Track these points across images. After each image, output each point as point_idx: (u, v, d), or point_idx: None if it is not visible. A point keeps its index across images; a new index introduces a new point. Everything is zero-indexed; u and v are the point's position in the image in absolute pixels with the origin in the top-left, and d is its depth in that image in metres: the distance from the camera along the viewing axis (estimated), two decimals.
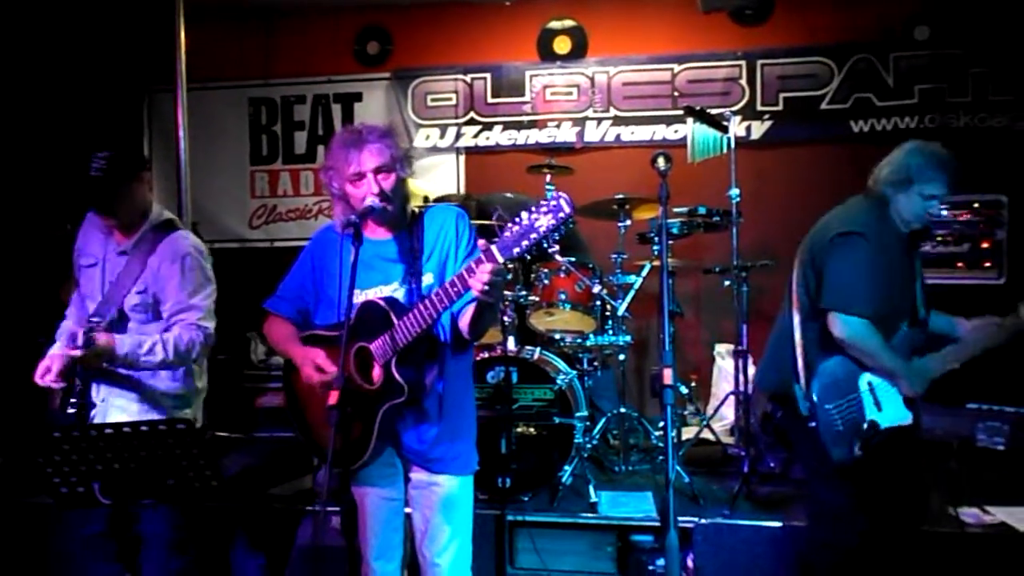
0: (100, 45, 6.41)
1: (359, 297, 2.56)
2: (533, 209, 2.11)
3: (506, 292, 4.39)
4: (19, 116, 5.89)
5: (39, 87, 6.04)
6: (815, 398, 2.94)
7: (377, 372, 2.49)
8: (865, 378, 2.97)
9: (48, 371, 2.90)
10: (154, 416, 3.03)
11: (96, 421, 3.01)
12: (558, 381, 4.17)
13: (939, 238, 5.20)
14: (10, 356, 3.23)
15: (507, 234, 2.14)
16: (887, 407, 2.97)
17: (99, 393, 3.04)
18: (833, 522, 3.01)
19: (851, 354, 2.95)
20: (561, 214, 2.08)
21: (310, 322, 2.74)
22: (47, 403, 3.02)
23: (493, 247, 2.16)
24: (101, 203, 2.94)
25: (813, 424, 2.94)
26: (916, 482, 3.18)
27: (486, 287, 2.21)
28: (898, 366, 2.95)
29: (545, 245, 2.13)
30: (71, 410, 2.92)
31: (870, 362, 2.94)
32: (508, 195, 5.79)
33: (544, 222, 2.09)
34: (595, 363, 4.86)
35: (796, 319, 3.05)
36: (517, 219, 2.12)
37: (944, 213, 3.02)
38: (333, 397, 2.25)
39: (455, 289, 2.31)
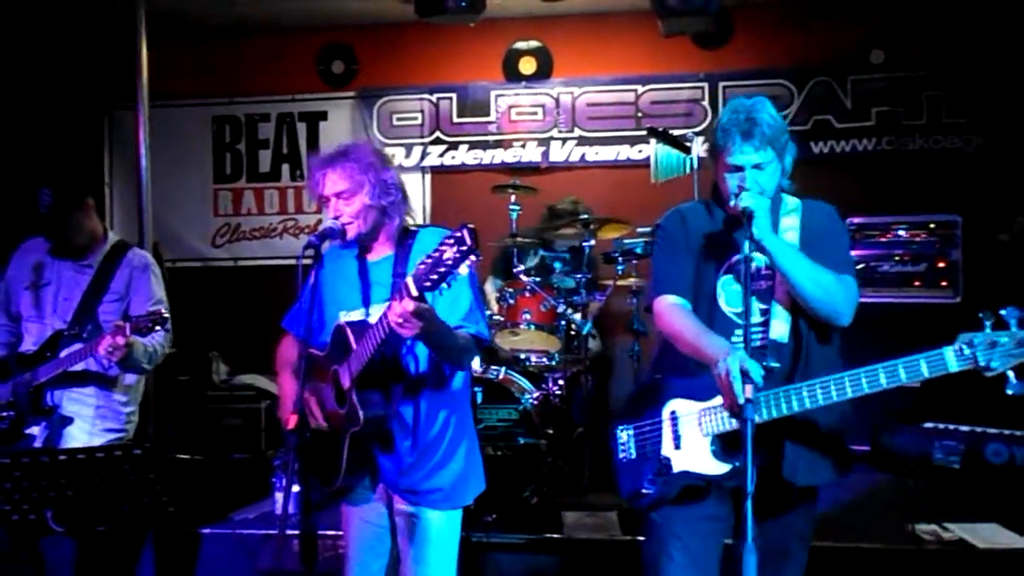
0: (60, 62, 6.32)
1: (366, 316, 2.52)
2: (442, 241, 2.06)
3: None
4: None
5: None
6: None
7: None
8: (669, 406, 2.39)
9: None
10: (108, 417, 3.21)
11: (52, 428, 3.13)
12: (523, 401, 4.16)
13: (896, 258, 5.30)
14: None
15: (421, 267, 2.10)
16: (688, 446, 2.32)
17: (52, 399, 3.15)
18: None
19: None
20: (463, 247, 2.03)
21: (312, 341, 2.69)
22: None
23: (409, 280, 2.13)
24: (56, 234, 3.20)
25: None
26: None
27: (399, 319, 2.16)
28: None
29: (453, 277, 2.06)
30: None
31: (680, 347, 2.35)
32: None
33: (450, 255, 2.04)
34: (560, 382, 4.87)
35: None
36: (433, 252, 2.08)
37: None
38: (292, 421, 2.22)
39: (386, 321, 2.26)
